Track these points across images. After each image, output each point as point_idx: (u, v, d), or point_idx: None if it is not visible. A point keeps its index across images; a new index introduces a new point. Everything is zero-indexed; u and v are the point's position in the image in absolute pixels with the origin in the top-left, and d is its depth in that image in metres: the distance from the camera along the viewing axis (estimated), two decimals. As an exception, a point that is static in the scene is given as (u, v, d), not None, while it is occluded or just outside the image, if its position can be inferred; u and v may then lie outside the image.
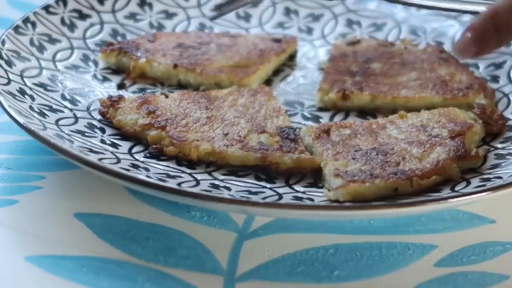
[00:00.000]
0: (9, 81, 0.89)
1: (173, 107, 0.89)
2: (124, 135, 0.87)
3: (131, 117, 0.87)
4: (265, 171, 0.83)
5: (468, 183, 0.80)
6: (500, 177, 0.79)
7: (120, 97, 0.90)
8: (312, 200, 0.79)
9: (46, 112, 0.87)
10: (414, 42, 1.06)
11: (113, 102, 0.89)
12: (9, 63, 0.92)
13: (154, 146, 0.85)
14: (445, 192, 0.78)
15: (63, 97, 0.92)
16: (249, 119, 0.88)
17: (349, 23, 1.10)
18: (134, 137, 0.87)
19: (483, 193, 0.75)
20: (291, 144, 0.84)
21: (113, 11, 1.06)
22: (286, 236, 0.77)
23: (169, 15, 1.08)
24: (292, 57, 1.04)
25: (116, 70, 0.99)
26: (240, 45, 1.02)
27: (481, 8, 0.88)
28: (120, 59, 0.99)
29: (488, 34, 0.82)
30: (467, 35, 0.83)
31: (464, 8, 0.92)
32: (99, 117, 0.89)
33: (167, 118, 0.87)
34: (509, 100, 0.94)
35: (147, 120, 0.86)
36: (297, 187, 0.81)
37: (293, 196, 0.79)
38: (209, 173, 0.82)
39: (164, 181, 0.78)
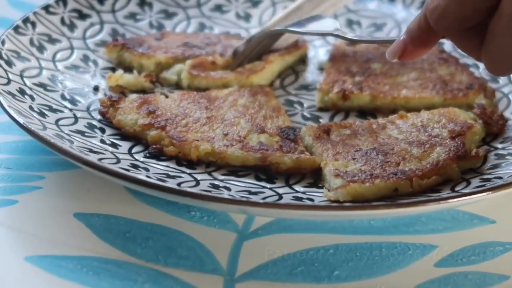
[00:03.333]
0: (9, 81, 0.89)
1: (173, 107, 0.89)
2: (124, 135, 0.87)
3: (131, 117, 0.87)
4: (265, 171, 0.83)
5: (468, 183, 0.80)
6: (500, 177, 0.79)
7: (120, 97, 0.90)
8: (312, 200, 0.79)
9: (46, 112, 0.87)
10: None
11: (113, 102, 0.89)
12: (9, 63, 0.92)
13: (154, 146, 0.85)
14: (445, 192, 0.78)
15: (63, 97, 0.92)
16: (249, 119, 0.88)
17: (349, 23, 1.10)
18: (134, 137, 0.87)
19: (483, 193, 0.75)
20: (291, 144, 0.84)
21: (113, 11, 1.06)
22: (286, 236, 0.77)
23: (169, 15, 1.08)
24: (303, 61, 1.03)
25: (115, 69, 0.98)
26: None
27: None
28: (122, 54, 0.99)
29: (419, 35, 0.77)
30: (402, 37, 0.78)
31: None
32: (99, 117, 0.89)
33: (167, 118, 0.87)
34: (509, 100, 0.94)
35: (147, 120, 0.86)
36: (297, 187, 0.81)
37: (293, 196, 0.79)
38: (209, 173, 0.82)
39: (164, 181, 0.78)
